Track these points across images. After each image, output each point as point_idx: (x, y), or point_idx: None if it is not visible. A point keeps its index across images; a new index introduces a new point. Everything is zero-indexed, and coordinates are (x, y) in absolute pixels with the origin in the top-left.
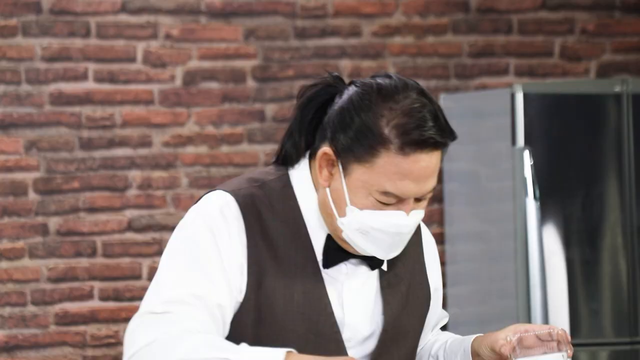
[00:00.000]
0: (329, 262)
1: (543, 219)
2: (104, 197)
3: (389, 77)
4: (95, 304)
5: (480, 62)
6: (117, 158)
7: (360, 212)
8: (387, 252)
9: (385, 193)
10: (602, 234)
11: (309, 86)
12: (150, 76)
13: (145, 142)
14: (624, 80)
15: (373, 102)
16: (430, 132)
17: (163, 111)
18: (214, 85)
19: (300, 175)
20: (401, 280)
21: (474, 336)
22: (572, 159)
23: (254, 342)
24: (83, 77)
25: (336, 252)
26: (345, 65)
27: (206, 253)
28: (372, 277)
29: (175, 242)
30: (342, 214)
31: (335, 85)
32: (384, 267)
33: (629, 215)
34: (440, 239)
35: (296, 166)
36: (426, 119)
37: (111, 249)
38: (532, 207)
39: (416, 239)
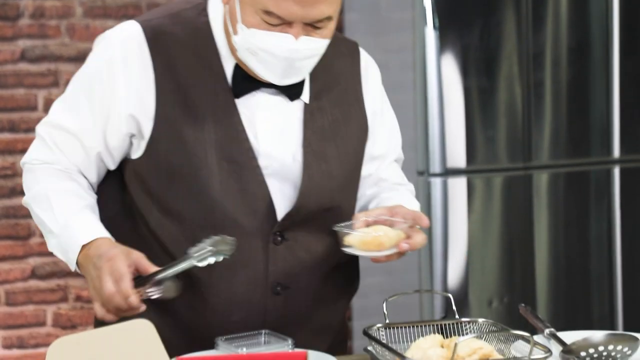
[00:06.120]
0: (239, 91)
1: (442, 48)
2: None
3: None
4: None
5: None
6: None
7: (249, 30)
8: (280, 77)
9: (268, 12)
10: (499, 62)
11: None
12: None
13: None
14: None
15: None
16: None
17: None
18: None
19: (216, 4)
20: (325, 113)
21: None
22: None
23: (168, 171)
24: None
25: (244, 80)
26: (26, 5)
27: (95, 93)
28: (294, 109)
29: (80, 70)
30: (235, 32)
31: None
32: (305, 98)
33: (525, 43)
34: None
35: None
36: None
37: (4, 80)
38: (431, 37)
39: (351, 69)
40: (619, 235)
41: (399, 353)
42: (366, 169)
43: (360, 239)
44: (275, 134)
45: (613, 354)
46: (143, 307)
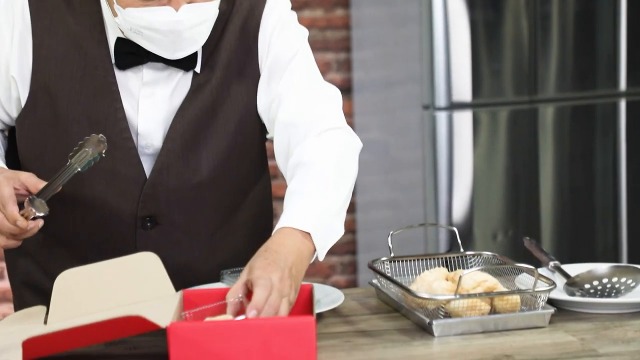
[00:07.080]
0: (123, 65)
1: None
2: None
3: None
4: None
5: None
6: None
7: (125, 10)
8: (172, 52)
9: None
10: None
11: None
12: None
13: None
14: None
15: None
16: None
17: None
18: None
19: None
20: (212, 82)
21: (283, 220)
22: None
23: (39, 144)
24: None
25: (130, 54)
26: None
27: None
28: (182, 82)
29: None
30: (115, 14)
31: None
32: (197, 68)
33: None
34: (346, 2)
35: None
36: None
37: None
38: None
39: (251, 24)
40: (624, 169)
41: (404, 286)
42: (266, 115)
43: None
44: (158, 112)
45: (617, 286)
46: (40, 223)
